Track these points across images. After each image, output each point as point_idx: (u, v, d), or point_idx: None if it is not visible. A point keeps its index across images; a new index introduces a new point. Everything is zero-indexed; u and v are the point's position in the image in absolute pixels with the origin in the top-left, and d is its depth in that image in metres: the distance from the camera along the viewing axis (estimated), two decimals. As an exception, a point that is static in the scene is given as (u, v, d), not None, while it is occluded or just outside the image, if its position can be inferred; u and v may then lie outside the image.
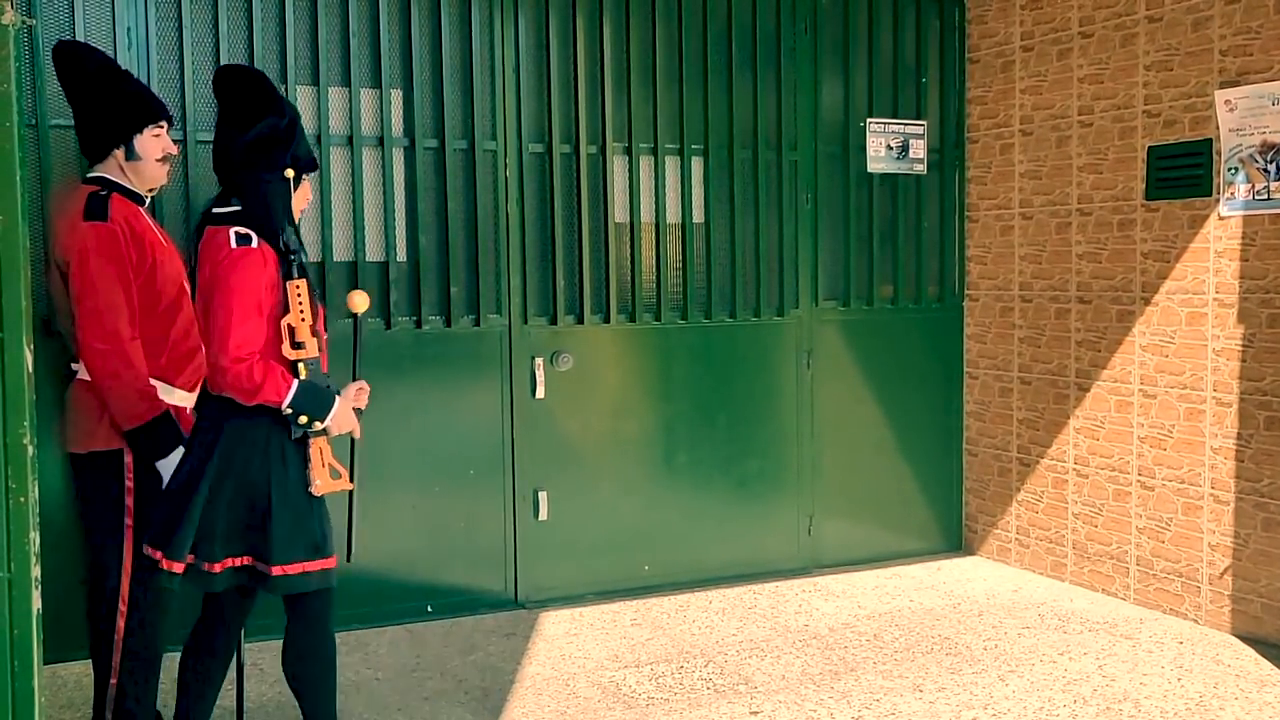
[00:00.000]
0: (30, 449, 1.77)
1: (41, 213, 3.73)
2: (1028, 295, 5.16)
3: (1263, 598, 4.22)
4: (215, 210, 2.96)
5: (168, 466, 3.02)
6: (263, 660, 4.04)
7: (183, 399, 3.15)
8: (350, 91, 4.36)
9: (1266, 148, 4.15)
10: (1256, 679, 3.88)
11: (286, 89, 4.20)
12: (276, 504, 2.86)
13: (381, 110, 4.41)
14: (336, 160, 4.36)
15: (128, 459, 3.02)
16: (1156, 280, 4.57)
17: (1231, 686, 3.82)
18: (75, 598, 3.20)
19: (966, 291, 5.49)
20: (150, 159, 3.12)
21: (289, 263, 2.90)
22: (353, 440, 3.10)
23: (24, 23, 1.78)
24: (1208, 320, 4.38)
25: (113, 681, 3.04)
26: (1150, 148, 4.57)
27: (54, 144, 3.88)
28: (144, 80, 4.02)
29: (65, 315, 3.03)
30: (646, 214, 4.88)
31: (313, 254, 4.24)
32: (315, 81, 4.29)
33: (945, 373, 5.50)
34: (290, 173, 2.95)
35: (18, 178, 1.76)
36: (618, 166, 4.81)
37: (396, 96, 4.45)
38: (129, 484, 3.02)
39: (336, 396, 2.97)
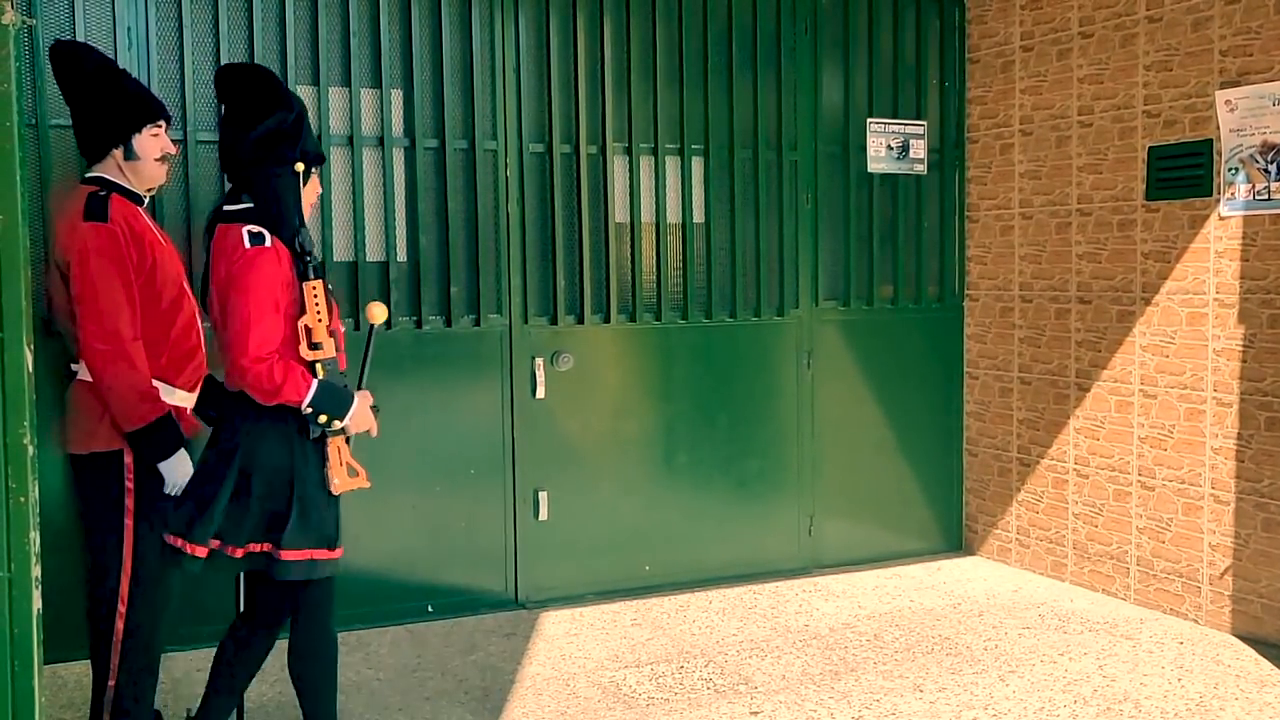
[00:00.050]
0: (30, 449, 1.77)
1: (42, 213, 3.74)
2: (1028, 295, 5.16)
3: (1263, 598, 4.22)
4: (226, 208, 2.97)
5: (169, 468, 3.02)
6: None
7: (183, 399, 3.15)
8: (350, 91, 4.36)
9: (1267, 148, 4.15)
10: (1257, 679, 3.88)
11: (287, 89, 4.19)
12: (296, 496, 2.89)
13: (382, 110, 4.41)
14: (337, 160, 4.36)
15: (128, 459, 3.02)
16: (1157, 280, 4.57)
17: (1232, 687, 3.81)
18: (75, 598, 3.19)
19: (967, 291, 5.49)
20: (149, 158, 3.11)
21: (304, 263, 2.90)
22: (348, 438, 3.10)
23: (24, 23, 1.78)
24: (1208, 320, 4.38)
25: (111, 683, 3.04)
26: (1150, 148, 4.57)
27: (54, 144, 3.88)
28: (144, 80, 4.02)
29: (65, 316, 3.03)
30: (647, 214, 4.88)
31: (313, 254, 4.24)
32: (315, 81, 4.29)
33: (945, 373, 5.50)
34: (300, 167, 2.95)
35: (18, 178, 1.76)
36: (618, 166, 4.81)
37: (397, 96, 4.45)
38: (129, 485, 3.02)
39: (355, 396, 2.99)
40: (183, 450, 3.06)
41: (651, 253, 4.89)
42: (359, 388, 3.10)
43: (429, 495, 4.54)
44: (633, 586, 4.89)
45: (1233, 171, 4.26)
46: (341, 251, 4.38)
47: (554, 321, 4.72)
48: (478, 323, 4.59)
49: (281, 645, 3.17)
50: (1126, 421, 4.72)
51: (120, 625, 3.02)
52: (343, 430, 2.96)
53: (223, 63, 4.13)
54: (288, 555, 2.89)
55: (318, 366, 2.92)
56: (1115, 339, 4.76)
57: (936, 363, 5.48)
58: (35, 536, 1.79)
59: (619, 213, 4.82)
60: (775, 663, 4.08)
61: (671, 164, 4.91)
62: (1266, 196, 4.16)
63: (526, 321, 4.67)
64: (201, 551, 2.87)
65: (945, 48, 5.40)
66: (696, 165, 4.95)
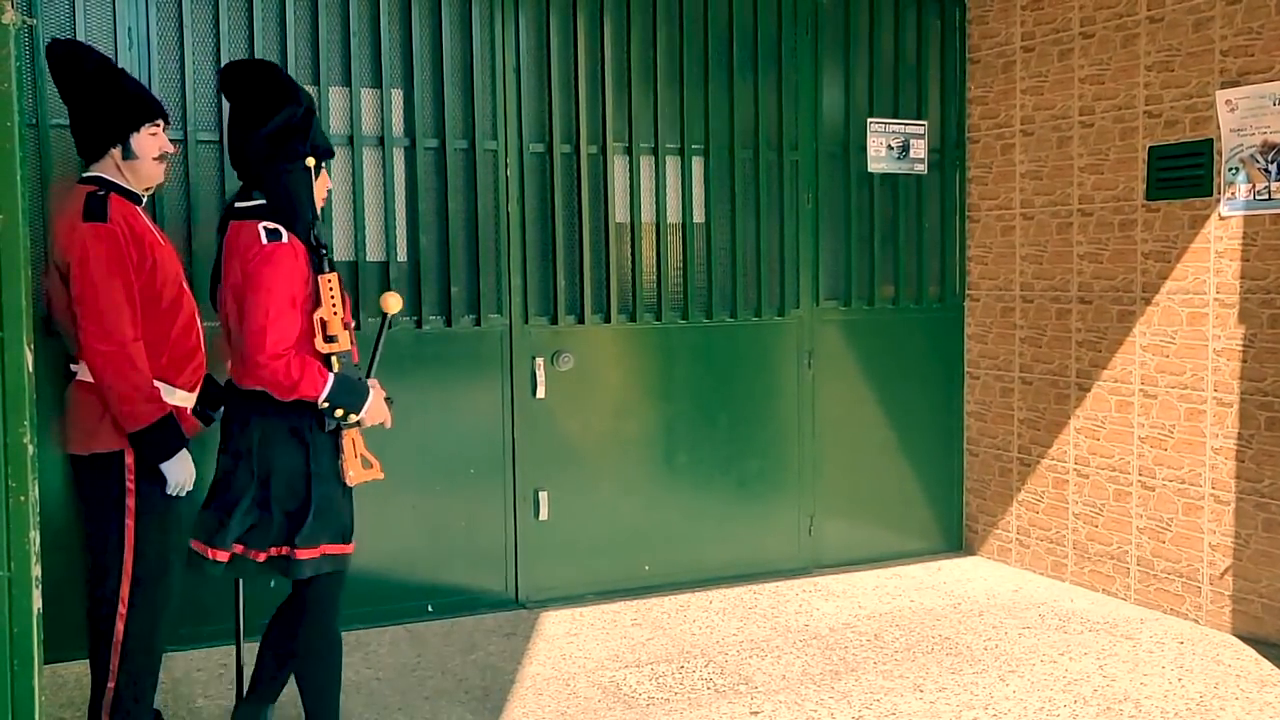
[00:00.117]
0: (30, 448, 1.77)
1: (42, 213, 3.73)
2: (1029, 295, 5.15)
3: (1263, 598, 4.22)
4: (238, 205, 2.97)
5: (171, 468, 3.02)
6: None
7: (183, 399, 3.15)
8: (351, 91, 4.36)
9: (1267, 148, 4.15)
10: (1257, 679, 3.88)
11: (287, 89, 4.19)
12: (312, 493, 2.92)
13: (382, 110, 4.41)
14: (337, 160, 4.35)
15: (129, 460, 3.01)
16: (1157, 280, 4.57)
17: (1232, 687, 3.81)
18: (75, 597, 3.20)
19: (967, 291, 5.49)
20: (147, 158, 3.10)
21: (320, 257, 2.91)
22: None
23: (24, 22, 1.78)
24: (1208, 320, 4.38)
25: (111, 684, 3.04)
26: (1151, 148, 4.57)
27: (54, 144, 3.88)
28: (144, 80, 4.02)
29: (65, 316, 3.02)
30: (647, 214, 4.88)
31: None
32: (316, 81, 4.29)
33: (946, 373, 5.50)
34: (310, 161, 2.96)
35: (18, 177, 1.76)
36: (618, 166, 4.81)
37: (397, 96, 4.45)
38: (130, 485, 3.02)
39: (370, 389, 3.00)
40: (184, 450, 3.06)
41: (652, 253, 4.89)
42: (368, 376, 3.12)
43: (429, 495, 4.54)
44: (633, 586, 4.89)
45: (1233, 171, 4.26)
46: (342, 251, 4.38)
47: (554, 321, 4.72)
48: (478, 322, 4.59)
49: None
50: (1127, 421, 4.72)
51: (120, 626, 3.02)
52: (358, 423, 2.98)
53: (223, 62, 4.14)
54: (302, 554, 2.92)
55: (333, 360, 2.93)
56: (1116, 339, 4.76)
57: (937, 363, 5.47)
58: (35, 536, 1.79)
59: (619, 213, 4.82)
60: (775, 663, 4.08)
61: (672, 164, 4.91)
62: (1267, 196, 4.16)
63: (527, 321, 4.67)
64: (223, 556, 2.92)
65: (946, 48, 5.40)
66: (697, 165, 4.95)
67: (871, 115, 5.27)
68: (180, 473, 3.04)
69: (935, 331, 5.46)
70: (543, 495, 4.72)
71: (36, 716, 1.79)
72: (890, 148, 5.31)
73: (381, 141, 4.42)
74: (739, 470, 5.08)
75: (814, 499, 5.24)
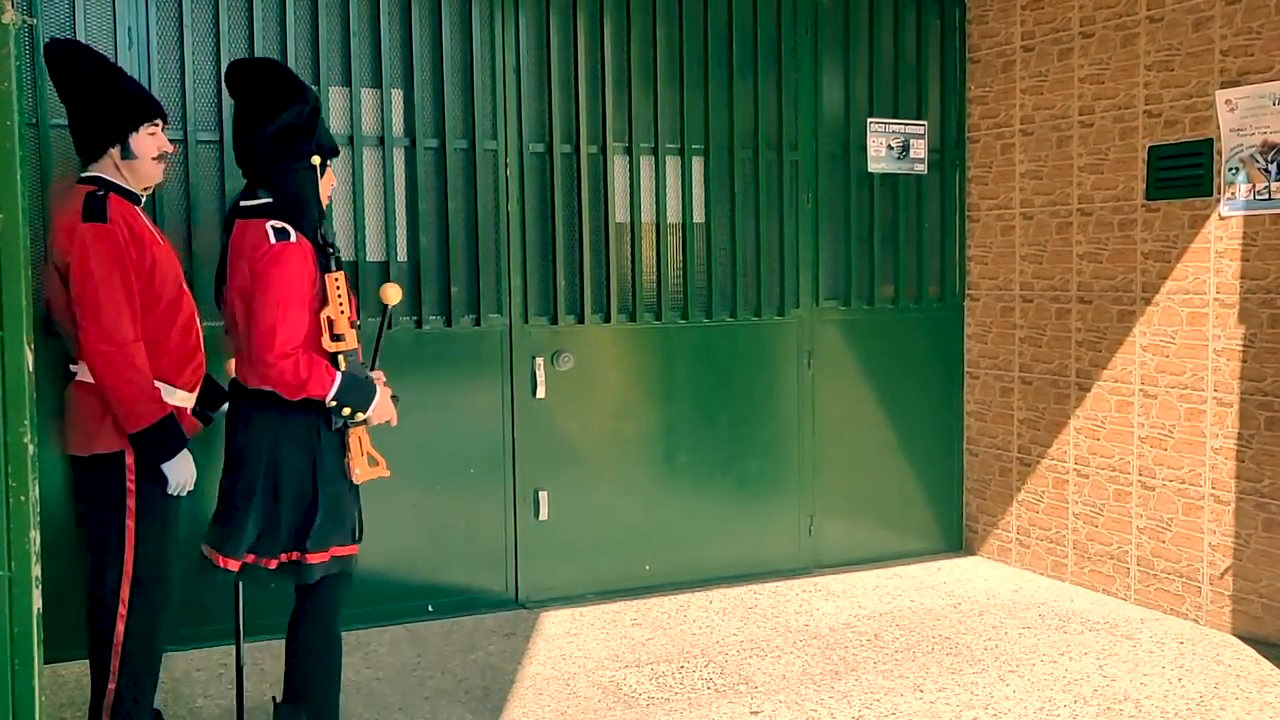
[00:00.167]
0: (30, 448, 1.77)
1: (43, 213, 3.73)
2: (1028, 295, 5.15)
3: (1263, 598, 4.22)
4: (244, 204, 2.97)
5: (173, 468, 3.01)
6: (263, 660, 4.04)
7: (183, 399, 3.15)
8: (351, 91, 4.36)
9: (1267, 147, 4.15)
10: (1257, 679, 3.88)
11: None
12: (320, 495, 2.93)
13: (382, 110, 4.41)
14: (338, 160, 4.35)
15: (129, 460, 3.01)
16: (1157, 280, 4.57)
17: (1232, 686, 3.81)
18: (75, 597, 3.19)
19: (967, 291, 5.49)
20: (146, 157, 3.09)
21: (327, 255, 2.91)
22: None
23: (24, 22, 1.78)
24: (1208, 320, 4.38)
25: (111, 685, 3.03)
26: (1151, 148, 4.57)
27: (54, 144, 3.88)
28: (144, 80, 4.02)
29: (65, 317, 3.00)
30: (647, 214, 4.88)
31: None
32: (316, 81, 4.29)
33: (946, 373, 5.50)
34: (316, 160, 2.96)
35: (18, 177, 1.76)
36: (618, 166, 4.81)
37: (397, 96, 4.45)
38: (130, 486, 3.01)
39: (377, 387, 3.01)
40: (185, 450, 3.05)
41: (652, 252, 4.89)
42: (372, 368, 3.13)
43: (429, 495, 4.54)
44: (633, 586, 4.89)
45: (1233, 171, 4.26)
46: (342, 251, 4.37)
47: (554, 321, 4.72)
48: (478, 322, 4.59)
49: (283, 646, 3.17)
50: (1127, 421, 4.72)
51: (120, 627, 3.01)
52: (365, 421, 2.99)
53: (223, 62, 4.14)
54: (313, 558, 2.95)
55: (340, 358, 2.94)
56: (1116, 339, 4.76)
57: (937, 362, 5.47)
58: (35, 535, 1.79)
59: (619, 212, 4.82)
60: (775, 662, 4.08)
61: (672, 164, 4.91)
62: (1267, 196, 4.16)
63: (527, 321, 4.67)
64: (234, 565, 2.93)
65: (946, 47, 5.40)
66: (697, 165, 4.95)
67: (871, 115, 5.27)
68: (181, 473, 3.04)
69: (935, 331, 5.46)
70: (543, 495, 4.72)
71: (36, 716, 1.79)
72: (890, 147, 5.31)
73: (381, 141, 4.42)
74: (739, 470, 5.08)
75: (814, 499, 5.24)
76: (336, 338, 2.92)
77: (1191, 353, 4.45)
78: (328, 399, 2.89)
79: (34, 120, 3.87)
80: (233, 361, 3.18)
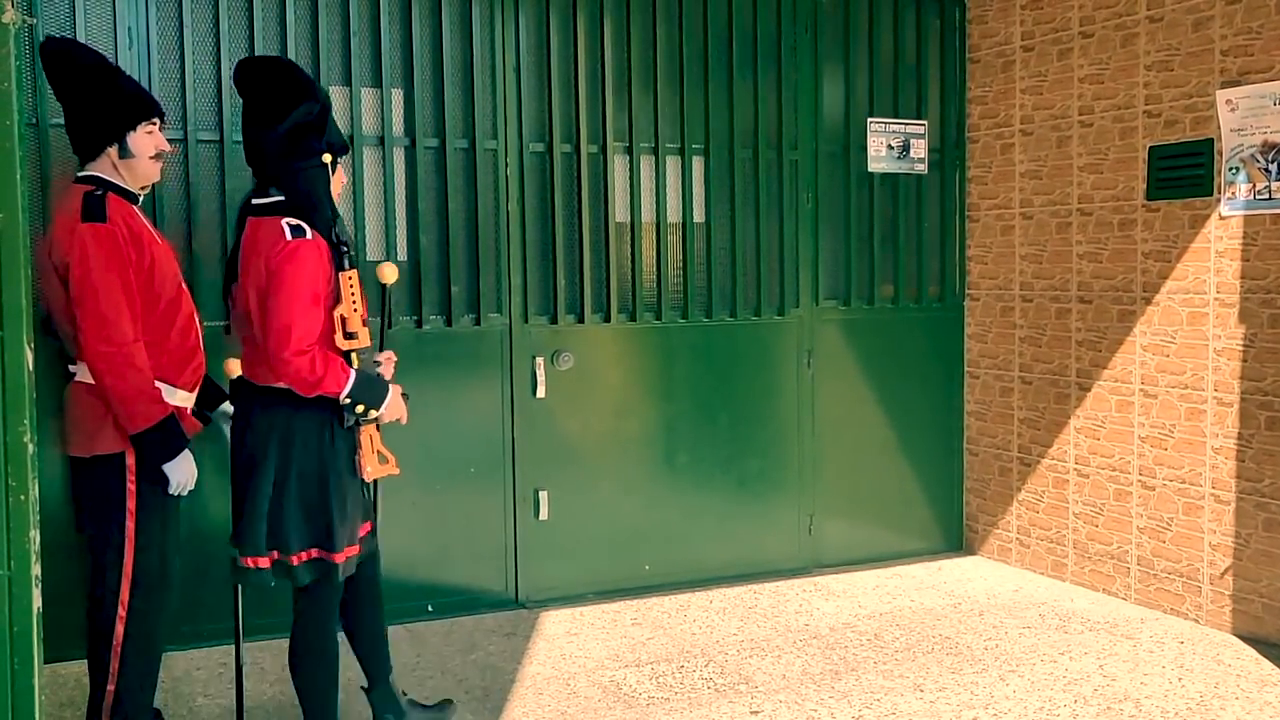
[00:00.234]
0: (30, 447, 1.77)
1: (43, 212, 3.73)
2: (1028, 295, 5.15)
3: (1264, 598, 4.22)
4: (255, 201, 2.98)
5: (174, 468, 3.01)
6: (263, 660, 4.04)
7: (184, 399, 3.14)
8: (351, 91, 4.36)
9: (1268, 147, 4.15)
10: (1257, 679, 3.88)
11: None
12: (333, 493, 2.95)
13: (382, 109, 4.41)
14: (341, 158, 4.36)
15: (129, 461, 3.00)
16: (1157, 280, 4.57)
17: (1232, 686, 3.81)
18: (75, 597, 3.19)
19: (967, 291, 5.49)
20: (144, 156, 3.07)
21: (341, 253, 2.92)
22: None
23: (24, 21, 1.78)
24: (1209, 320, 4.38)
25: (110, 686, 3.03)
26: (1151, 148, 4.57)
27: (54, 143, 3.88)
28: (144, 80, 4.02)
29: (64, 318, 2.99)
30: (647, 213, 4.88)
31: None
32: (316, 80, 4.28)
33: (946, 372, 5.50)
34: (327, 157, 2.97)
35: (18, 176, 1.76)
36: (618, 166, 4.81)
37: (397, 96, 4.45)
38: (130, 486, 3.01)
39: (390, 385, 3.02)
40: (186, 450, 3.05)
41: (652, 252, 4.89)
42: (379, 349, 3.15)
43: (429, 494, 4.54)
44: (633, 586, 4.89)
45: (1233, 171, 4.26)
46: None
47: (554, 321, 4.72)
48: (478, 322, 4.59)
49: (285, 645, 3.18)
50: (1127, 421, 4.72)
51: (120, 628, 3.01)
52: (376, 419, 3.01)
53: (223, 62, 4.14)
54: (338, 558, 2.98)
55: (353, 356, 2.95)
56: (1116, 339, 4.76)
57: (937, 362, 5.47)
58: (35, 535, 1.79)
59: (619, 212, 4.82)
60: (775, 662, 4.08)
61: (672, 163, 4.91)
62: (1267, 196, 4.16)
63: (527, 321, 4.67)
64: (264, 562, 2.95)
65: (946, 47, 5.40)
66: (697, 165, 4.95)
67: (871, 115, 5.27)
68: (182, 473, 3.04)
69: (935, 331, 5.46)
70: (543, 495, 4.72)
71: (36, 716, 1.79)
72: (890, 147, 5.31)
73: (382, 141, 4.42)
74: (739, 470, 5.08)
75: (814, 499, 5.24)
76: (349, 335, 2.94)
77: (1192, 352, 4.45)
78: (342, 396, 2.90)
79: (34, 120, 3.87)
80: (232, 360, 3.18)
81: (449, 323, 4.54)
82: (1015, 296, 5.22)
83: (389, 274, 3.21)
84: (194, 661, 4.07)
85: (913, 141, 5.36)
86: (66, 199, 3.00)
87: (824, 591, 4.94)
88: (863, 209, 5.29)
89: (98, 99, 3.02)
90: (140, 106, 3.08)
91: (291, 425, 2.93)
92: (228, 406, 3.30)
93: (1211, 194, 4.34)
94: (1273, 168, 4.13)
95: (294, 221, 2.87)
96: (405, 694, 3.41)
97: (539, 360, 4.69)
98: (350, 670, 3.93)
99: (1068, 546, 5.02)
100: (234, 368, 3.17)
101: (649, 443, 4.92)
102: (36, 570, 1.79)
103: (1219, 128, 4.30)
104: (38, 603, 1.79)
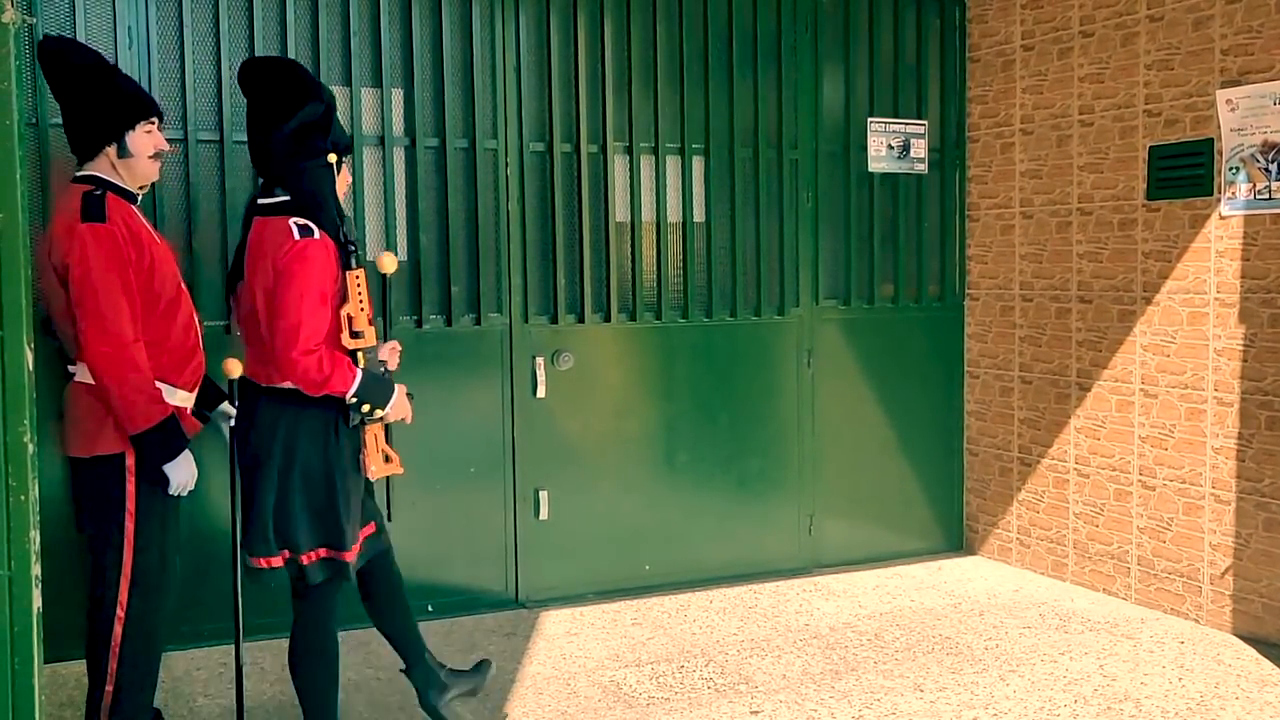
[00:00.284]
0: (30, 447, 1.77)
1: (43, 212, 3.73)
2: (1029, 295, 5.15)
3: (1264, 597, 4.22)
4: (262, 201, 2.98)
5: (175, 469, 3.00)
6: (263, 659, 4.04)
7: (183, 399, 3.14)
8: (351, 90, 4.36)
9: (1268, 147, 4.15)
10: (1257, 679, 3.88)
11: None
12: (339, 492, 2.96)
13: (382, 109, 4.41)
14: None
15: (129, 462, 3.00)
16: (1158, 280, 4.57)
17: (1232, 686, 3.81)
18: (76, 597, 3.19)
19: (967, 291, 5.49)
20: (143, 156, 3.06)
21: (348, 253, 2.93)
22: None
23: (24, 21, 1.78)
24: (1209, 320, 4.38)
25: (108, 687, 3.02)
26: (1151, 147, 4.57)
27: (54, 143, 3.88)
28: (144, 80, 4.02)
29: (63, 318, 2.98)
30: (647, 213, 4.88)
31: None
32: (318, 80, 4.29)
33: (946, 372, 5.50)
34: (333, 157, 2.97)
35: (18, 176, 1.76)
36: (619, 165, 4.81)
37: (397, 95, 4.45)
38: (130, 487, 3.00)
39: (395, 385, 3.03)
40: (187, 451, 3.04)
41: (652, 252, 4.89)
42: (384, 339, 3.17)
43: (429, 494, 4.53)
44: (633, 586, 4.89)
45: (1233, 171, 4.26)
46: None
47: (554, 321, 4.72)
48: (478, 322, 4.59)
49: (285, 645, 3.18)
50: (1127, 421, 4.72)
51: (118, 629, 3.00)
52: (382, 418, 3.02)
53: (223, 62, 4.14)
54: (348, 556, 3.00)
55: (359, 355, 2.96)
56: (1116, 338, 4.76)
57: (937, 362, 5.47)
58: (35, 535, 1.79)
59: (619, 212, 4.82)
60: (775, 662, 4.08)
61: (672, 163, 4.91)
62: (1267, 196, 4.16)
63: (527, 321, 4.67)
64: (278, 562, 2.97)
65: (946, 47, 5.40)
66: (697, 164, 4.95)
67: (871, 114, 5.27)
68: (183, 473, 3.03)
69: (935, 331, 5.46)
70: (543, 495, 4.72)
71: (36, 715, 1.79)
72: (890, 147, 5.31)
73: (382, 141, 4.42)
74: (739, 470, 5.08)
75: (814, 498, 5.24)
76: (355, 334, 2.95)
77: (1192, 352, 4.45)
78: (349, 395, 2.91)
79: (34, 120, 3.87)
80: (231, 360, 3.18)
81: (449, 323, 4.54)
82: (1015, 296, 5.22)
83: (388, 264, 3.21)
84: (194, 661, 4.07)
85: (913, 141, 5.36)
86: (65, 198, 2.99)
87: (824, 591, 4.94)
88: (863, 209, 5.29)
89: (96, 98, 3.01)
90: (139, 106, 3.07)
91: (295, 425, 2.94)
92: (227, 406, 3.30)
93: (1212, 194, 4.34)
94: (1273, 167, 4.13)
95: (302, 221, 2.88)
96: (444, 665, 3.41)
97: (539, 360, 4.69)
98: (350, 670, 3.93)
99: (1068, 546, 5.02)
100: (233, 367, 3.17)
101: (649, 443, 4.92)
102: (36, 570, 1.79)
103: (1219, 127, 4.30)
104: (38, 603, 1.79)
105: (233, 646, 3.50)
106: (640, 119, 4.82)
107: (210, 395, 3.32)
